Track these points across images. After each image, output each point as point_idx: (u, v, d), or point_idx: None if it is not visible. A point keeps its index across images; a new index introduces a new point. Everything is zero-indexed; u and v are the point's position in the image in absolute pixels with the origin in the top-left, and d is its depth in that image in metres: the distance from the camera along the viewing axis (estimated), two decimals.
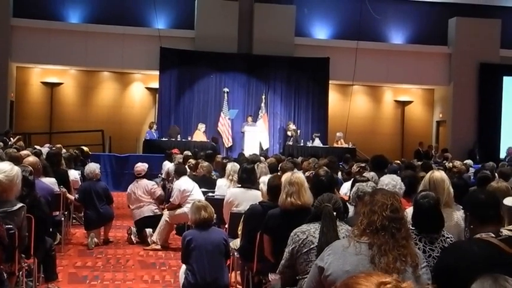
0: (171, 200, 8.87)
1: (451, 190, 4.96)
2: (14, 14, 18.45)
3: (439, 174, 5.00)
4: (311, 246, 3.97)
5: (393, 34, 20.89)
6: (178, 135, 17.38)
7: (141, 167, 9.47)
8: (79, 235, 9.50)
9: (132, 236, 9.18)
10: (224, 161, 10.34)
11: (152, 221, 9.09)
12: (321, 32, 20.48)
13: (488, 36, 20.25)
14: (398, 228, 3.07)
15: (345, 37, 19.93)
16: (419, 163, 11.07)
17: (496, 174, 8.74)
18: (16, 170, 4.85)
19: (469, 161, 13.31)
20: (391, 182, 5.54)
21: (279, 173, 7.27)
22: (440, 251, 3.78)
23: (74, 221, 10.15)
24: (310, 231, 4.03)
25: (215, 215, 5.97)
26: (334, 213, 3.97)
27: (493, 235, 3.29)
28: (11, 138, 14.84)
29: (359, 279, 1.78)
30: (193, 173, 9.86)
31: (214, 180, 9.05)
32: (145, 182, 9.33)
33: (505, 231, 3.67)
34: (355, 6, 19.55)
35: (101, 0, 19.28)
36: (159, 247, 8.78)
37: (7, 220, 4.62)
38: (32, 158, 7.45)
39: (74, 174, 9.90)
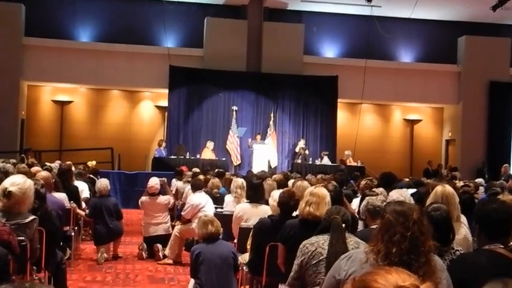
0: (183, 213, 8.88)
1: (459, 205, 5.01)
2: (25, 33, 18.64)
3: (451, 189, 5.02)
4: (320, 258, 3.96)
5: (402, 52, 20.95)
6: (187, 153, 17.44)
7: (155, 186, 9.29)
8: (89, 250, 9.52)
9: (143, 252, 9.19)
10: (232, 177, 10.37)
11: (163, 238, 9.14)
12: (329, 50, 20.58)
13: (497, 55, 20.28)
14: (417, 260, 2.91)
15: (354, 55, 19.99)
16: (429, 181, 11.02)
17: (506, 192, 8.72)
18: (29, 182, 4.89)
19: (479, 180, 13.27)
20: (399, 197, 5.54)
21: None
22: (449, 263, 3.77)
23: (83, 236, 10.17)
24: (319, 243, 4.03)
25: (222, 229, 5.98)
26: (343, 225, 3.99)
27: (502, 246, 3.27)
28: (29, 157, 14.93)
29: (377, 277, 1.67)
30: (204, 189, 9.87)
31: (219, 196, 9.07)
32: (162, 200, 9.30)
33: None
34: (364, 24, 19.61)
35: (111, 20, 19.45)
36: (171, 261, 8.80)
37: (19, 232, 4.66)
38: (44, 173, 7.51)
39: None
